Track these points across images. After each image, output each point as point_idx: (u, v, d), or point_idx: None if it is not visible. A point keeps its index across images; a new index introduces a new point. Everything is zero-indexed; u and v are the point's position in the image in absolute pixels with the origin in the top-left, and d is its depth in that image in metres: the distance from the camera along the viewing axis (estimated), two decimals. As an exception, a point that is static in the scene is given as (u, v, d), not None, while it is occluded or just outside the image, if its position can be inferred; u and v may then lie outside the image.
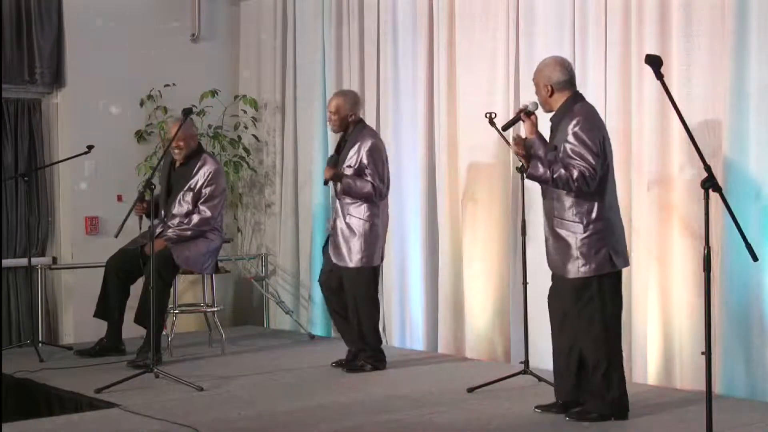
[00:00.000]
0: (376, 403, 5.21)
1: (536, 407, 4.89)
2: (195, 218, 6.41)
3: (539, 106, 4.87)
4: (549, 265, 4.81)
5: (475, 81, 6.56)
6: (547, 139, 4.80)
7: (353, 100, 6.13)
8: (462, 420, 4.80)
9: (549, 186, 4.65)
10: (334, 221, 6.05)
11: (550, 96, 4.73)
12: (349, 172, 5.95)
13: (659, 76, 3.90)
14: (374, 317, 6.09)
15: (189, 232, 6.39)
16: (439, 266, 6.84)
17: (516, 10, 6.30)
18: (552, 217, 4.71)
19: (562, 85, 4.72)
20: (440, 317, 6.83)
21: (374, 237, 5.98)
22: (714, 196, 3.80)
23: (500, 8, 6.41)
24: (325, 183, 6.12)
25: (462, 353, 6.65)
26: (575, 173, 4.50)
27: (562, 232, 4.65)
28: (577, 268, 4.62)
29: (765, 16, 5.11)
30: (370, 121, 7.29)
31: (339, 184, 5.97)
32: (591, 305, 4.63)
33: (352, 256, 5.96)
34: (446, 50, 6.77)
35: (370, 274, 6.03)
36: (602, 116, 5.81)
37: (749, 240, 3.82)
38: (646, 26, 5.62)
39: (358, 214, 5.96)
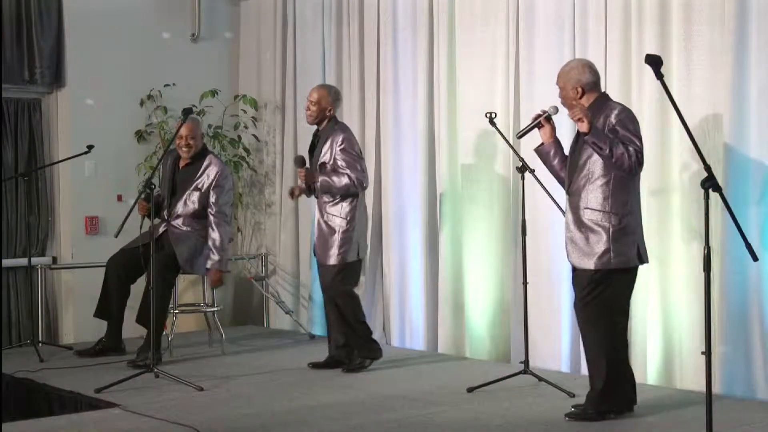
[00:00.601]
0: (376, 403, 5.21)
1: None
2: (218, 235, 6.37)
3: (559, 111, 4.89)
4: (572, 260, 4.74)
5: (475, 81, 6.56)
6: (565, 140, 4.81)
7: (336, 95, 6.12)
8: (462, 420, 4.80)
9: (604, 156, 4.54)
10: (317, 219, 6.05)
11: (581, 97, 4.73)
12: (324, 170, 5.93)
13: (659, 76, 3.90)
14: (357, 309, 6.07)
15: (224, 252, 6.42)
16: (439, 266, 6.84)
17: (516, 10, 6.30)
18: (584, 209, 4.66)
19: (591, 86, 4.75)
20: (440, 317, 6.83)
21: (351, 234, 5.96)
22: (714, 196, 3.81)
23: (500, 8, 6.41)
24: (310, 194, 6.04)
25: (462, 353, 6.65)
26: (631, 150, 4.54)
27: (595, 225, 4.63)
28: (609, 260, 4.61)
29: (765, 16, 5.12)
30: (370, 121, 7.32)
31: (316, 186, 5.93)
32: (600, 299, 4.64)
33: (331, 253, 5.96)
34: (446, 50, 6.77)
35: (343, 270, 6.00)
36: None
37: (749, 240, 3.82)
38: (646, 26, 5.62)
39: (336, 212, 5.95)
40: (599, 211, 4.64)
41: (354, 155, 5.93)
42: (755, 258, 3.83)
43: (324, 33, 7.72)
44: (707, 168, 3.80)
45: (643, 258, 4.72)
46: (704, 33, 5.37)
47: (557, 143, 4.90)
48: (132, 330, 6.67)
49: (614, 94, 5.76)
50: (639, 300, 5.65)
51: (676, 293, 5.52)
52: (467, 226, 6.62)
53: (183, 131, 6.33)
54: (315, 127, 6.12)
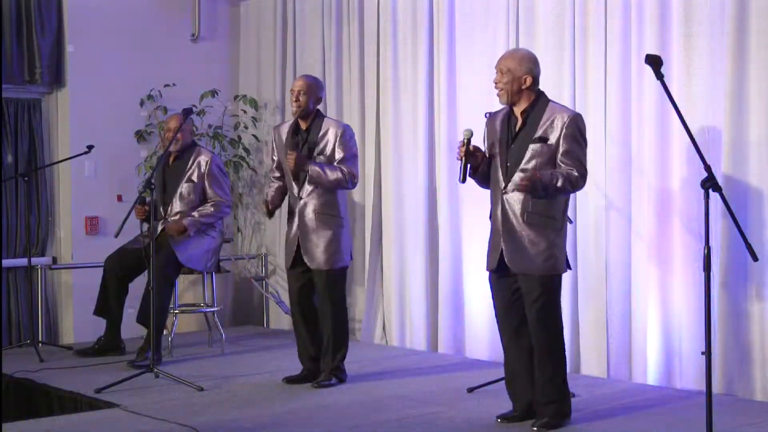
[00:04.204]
0: (376, 403, 5.21)
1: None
2: (211, 209, 6.43)
3: (473, 134, 4.71)
4: (514, 265, 4.56)
5: (475, 81, 6.55)
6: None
7: (321, 85, 5.75)
8: (462, 420, 4.81)
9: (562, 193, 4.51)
10: (308, 217, 5.59)
11: (528, 88, 4.56)
12: (321, 159, 5.54)
13: (659, 76, 3.91)
14: (346, 322, 5.76)
15: (210, 218, 6.43)
16: (439, 266, 6.84)
17: (516, 10, 6.30)
18: (526, 212, 4.52)
19: (537, 80, 4.61)
20: (440, 317, 6.83)
21: (348, 233, 5.67)
22: (714, 196, 3.81)
23: (500, 8, 6.41)
24: (296, 175, 5.51)
25: (462, 353, 6.65)
26: (575, 177, 4.45)
27: (542, 229, 4.50)
28: (552, 265, 4.51)
29: (765, 16, 5.12)
30: (369, 121, 7.32)
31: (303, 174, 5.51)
32: (552, 304, 4.54)
33: (341, 256, 5.59)
34: (446, 50, 6.77)
35: (344, 274, 5.73)
36: (602, 116, 5.87)
37: (749, 240, 3.82)
38: (646, 26, 5.62)
39: (334, 211, 5.58)
40: (544, 215, 4.50)
41: (356, 149, 5.65)
42: (755, 258, 3.83)
43: (324, 33, 7.72)
44: (707, 168, 3.80)
45: (569, 264, 4.68)
46: (704, 33, 5.37)
47: (484, 157, 4.72)
48: (132, 330, 6.66)
49: (614, 94, 5.79)
50: (639, 300, 5.65)
51: (676, 293, 5.52)
52: (467, 226, 6.62)
53: (171, 124, 6.43)
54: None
